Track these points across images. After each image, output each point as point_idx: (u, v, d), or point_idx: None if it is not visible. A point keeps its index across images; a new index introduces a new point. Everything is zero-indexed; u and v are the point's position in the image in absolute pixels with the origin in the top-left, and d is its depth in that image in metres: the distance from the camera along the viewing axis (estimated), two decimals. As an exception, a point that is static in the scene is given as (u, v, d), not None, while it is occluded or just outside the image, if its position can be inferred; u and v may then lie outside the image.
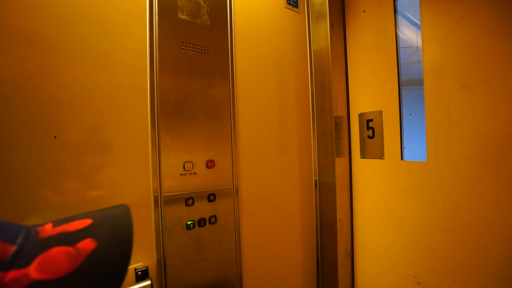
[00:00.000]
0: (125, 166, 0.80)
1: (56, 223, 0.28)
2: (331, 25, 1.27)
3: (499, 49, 0.87)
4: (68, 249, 0.24)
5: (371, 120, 1.25)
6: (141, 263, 0.82)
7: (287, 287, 1.22)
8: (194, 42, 0.94)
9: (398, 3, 1.23)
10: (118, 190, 0.79)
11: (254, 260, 1.11)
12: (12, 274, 0.21)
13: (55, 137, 0.70)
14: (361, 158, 1.30)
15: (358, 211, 1.34)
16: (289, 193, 1.24)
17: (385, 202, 1.22)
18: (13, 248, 0.22)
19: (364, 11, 1.28)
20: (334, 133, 1.24)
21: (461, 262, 0.97)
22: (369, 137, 1.26)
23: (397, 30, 1.16)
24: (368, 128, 1.26)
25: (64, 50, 0.72)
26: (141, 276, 0.80)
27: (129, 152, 0.81)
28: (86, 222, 0.28)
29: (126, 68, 0.81)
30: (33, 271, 0.22)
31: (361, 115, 1.30)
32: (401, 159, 1.15)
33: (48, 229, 0.27)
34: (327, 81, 1.24)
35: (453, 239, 0.99)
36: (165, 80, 0.88)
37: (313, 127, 1.32)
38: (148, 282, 0.77)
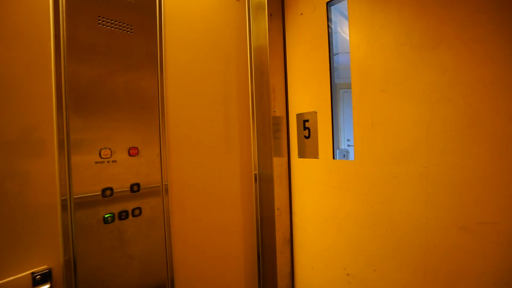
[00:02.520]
0: (19, 153, 0.69)
1: None
2: (269, 15, 1.29)
3: (408, 58, 0.96)
4: None
5: (308, 121, 1.29)
6: (45, 266, 0.72)
7: (228, 280, 1.21)
8: (114, 18, 0.86)
9: (333, 9, 1.29)
10: (13, 178, 0.68)
11: (189, 256, 1.06)
12: None
13: None
14: (299, 157, 1.34)
15: (296, 209, 1.38)
16: (229, 185, 1.22)
17: (319, 199, 1.27)
18: None
19: (302, 14, 1.31)
20: (272, 127, 1.25)
21: (380, 252, 1.06)
22: (305, 137, 1.30)
23: (330, 36, 1.22)
24: (305, 128, 1.30)
25: None
26: (41, 280, 0.70)
27: (27, 136, 0.70)
28: None
29: (23, 40, 0.70)
30: None
31: (298, 116, 1.33)
32: (333, 158, 1.21)
33: None
34: (265, 70, 1.25)
35: (373, 231, 1.08)
36: (76, 58, 0.78)
37: (253, 119, 1.32)
38: (46, 287, 0.68)
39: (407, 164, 0.98)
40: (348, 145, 2.82)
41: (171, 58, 1.02)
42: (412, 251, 0.98)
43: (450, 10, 0.87)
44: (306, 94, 1.30)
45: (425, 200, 0.94)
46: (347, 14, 1.15)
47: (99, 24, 0.83)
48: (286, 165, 1.37)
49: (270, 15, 1.29)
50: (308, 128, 1.29)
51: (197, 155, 1.10)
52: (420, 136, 0.94)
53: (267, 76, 1.23)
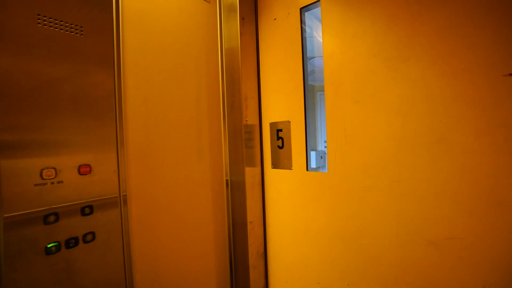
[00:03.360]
0: None
1: None
2: (242, 18, 1.23)
3: (380, 70, 0.94)
4: None
5: (281, 130, 1.25)
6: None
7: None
8: (59, 18, 0.75)
9: (308, 14, 1.26)
10: None
11: (155, 280, 0.97)
12: None
13: None
14: (272, 168, 1.30)
15: (270, 221, 1.34)
16: (198, 198, 1.14)
17: (293, 211, 1.24)
18: None
19: (275, 19, 1.27)
20: (244, 136, 1.19)
21: (352, 266, 1.04)
22: (279, 147, 1.26)
23: (304, 42, 1.18)
24: (278, 138, 1.26)
25: None
26: None
27: None
28: None
29: None
30: None
31: (272, 125, 1.29)
32: (307, 169, 1.17)
33: None
34: (237, 77, 1.19)
35: (346, 245, 1.06)
36: (6, 62, 0.67)
37: (224, 128, 1.25)
38: None
39: (379, 177, 0.96)
40: (325, 147, 2.84)
41: (131, 62, 0.93)
42: (383, 265, 0.97)
43: (417, 25, 0.86)
44: (279, 102, 1.26)
45: (396, 214, 0.93)
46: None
47: (39, 24, 0.71)
48: (259, 175, 1.32)
49: (242, 18, 1.23)
50: (282, 138, 1.25)
51: (162, 169, 1.01)
52: (391, 149, 0.93)
53: (239, 83, 1.17)
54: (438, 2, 0.82)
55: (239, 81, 1.18)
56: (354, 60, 1.01)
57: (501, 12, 0.73)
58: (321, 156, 3.02)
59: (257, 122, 1.31)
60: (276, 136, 1.27)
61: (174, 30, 1.07)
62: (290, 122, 1.22)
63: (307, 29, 1.89)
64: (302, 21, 1.18)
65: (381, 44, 0.94)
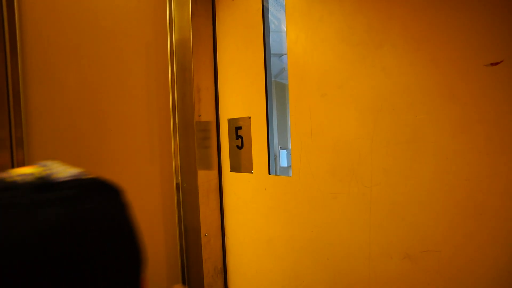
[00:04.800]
0: None
1: None
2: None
3: (349, 57, 0.82)
4: None
5: (240, 128, 1.08)
6: None
7: None
8: None
9: (276, 1, 1.11)
10: None
11: None
12: None
13: None
14: (231, 171, 1.13)
15: (229, 232, 1.16)
16: (144, 214, 0.93)
17: (255, 220, 1.08)
18: None
19: None
20: (196, 134, 1.01)
21: (320, 282, 0.91)
22: (238, 147, 1.09)
23: (266, 28, 1.03)
24: (238, 137, 1.09)
25: None
26: None
27: None
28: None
29: None
30: None
31: (230, 121, 1.12)
32: (269, 173, 1.02)
33: None
34: (188, 65, 1.00)
35: (313, 259, 0.92)
36: None
37: (174, 125, 1.05)
38: None
39: (349, 182, 0.84)
40: None
41: (37, 42, 0.70)
42: (355, 281, 0.85)
43: (392, 5, 0.74)
44: (239, 95, 1.09)
45: (368, 225, 0.81)
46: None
47: None
48: (216, 180, 1.14)
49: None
50: (241, 137, 1.08)
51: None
52: (363, 149, 0.81)
53: (190, 72, 0.98)
54: (413, -21, 0.72)
55: (190, 69, 0.99)
56: (320, 47, 0.87)
57: (482, -9, 0.64)
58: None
59: (213, 118, 1.13)
60: (235, 135, 1.10)
61: (105, 7, 0.85)
62: (250, 118, 1.05)
63: (275, 22, 1.75)
64: (263, 4, 1.02)
65: (350, 27, 0.81)
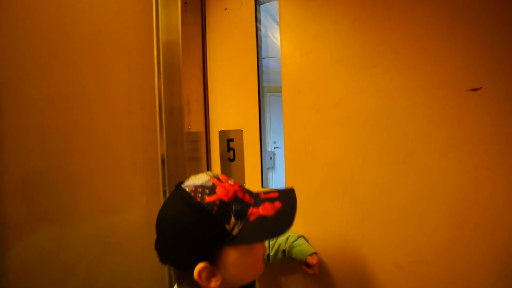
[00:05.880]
0: None
1: (264, 193, 0.54)
2: (184, 2, 0.99)
3: (344, 77, 0.84)
4: (271, 204, 0.49)
5: (232, 140, 1.07)
6: None
7: None
8: None
9: (262, 9, 1.10)
10: None
11: None
12: (254, 210, 0.48)
13: None
14: (222, 183, 1.10)
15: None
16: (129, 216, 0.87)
17: (246, 233, 1.07)
18: (253, 200, 0.50)
19: (226, 8, 1.08)
20: (185, 146, 0.97)
21: (314, 295, 0.93)
22: (230, 159, 1.08)
23: (259, 39, 1.02)
24: (229, 149, 1.08)
25: None
26: None
27: None
28: (276, 194, 0.53)
29: None
30: (260, 210, 0.48)
31: (222, 133, 1.09)
32: (261, 186, 1.02)
33: (262, 194, 0.53)
34: (177, 77, 0.96)
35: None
36: None
37: (161, 138, 1.00)
38: None
39: (342, 199, 0.86)
40: (275, 147, 2.75)
41: None
42: (346, 291, 0.88)
43: (384, 31, 0.78)
44: (231, 107, 1.07)
45: (360, 237, 0.84)
46: (277, 18, 0.98)
47: None
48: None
49: (184, 2, 1.00)
50: (233, 149, 1.07)
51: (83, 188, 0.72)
52: (356, 167, 0.84)
53: (179, 84, 0.94)
54: (405, 8, 0.76)
55: (179, 81, 0.95)
56: (316, 65, 0.89)
57: (467, 24, 0.70)
58: (271, 157, 2.92)
59: (203, 130, 1.10)
60: (226, 147, 1.08)
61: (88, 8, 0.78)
62: (242, 131, 1.04)
63: (262, 28, 1.75)
64: (257, 15, 1.02)
65: (345, 48, 0.84)
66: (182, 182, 0.50)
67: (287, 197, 0.52)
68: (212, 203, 0.44)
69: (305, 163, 0.91)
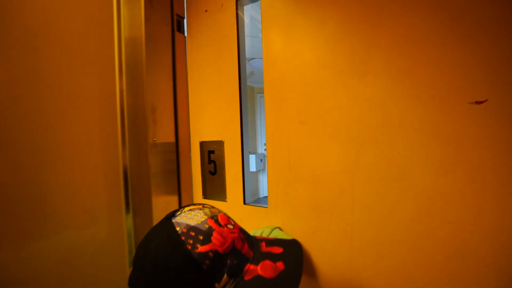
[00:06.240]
0: None
1: (266, 243, 0.47)
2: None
3: (332, 85, 0.76)
4: (273, 264, 0.42)
5: (213, 152, 0.99)
6: None
7: None
8: None
9: (248, 9, 1.02)
10: None
11: None
12: (252, 267, 0.40)
13: None
14: (203, 198, 1.03)
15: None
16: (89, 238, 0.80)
17: (228, 252, 0.99)
18: (252, 253, 0.43)
19: (206, 10, 1.00)
20: (149, 157, 0.89)
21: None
22: (211, 172, 1.00)
23: (240, 43, 0.94)
24: (210, 161, 1.00)
25: None
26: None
27: None
28: (280, 249, 0.45)
29: None
30: (259, 269, 0.40)
31: (202, 144, 1.02)
32: (244, 203, 0.94)
33: (263, 247, 0.45)
34: (141, 82, 0.88)
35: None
36: None
37: (124, 149, 0.92)
38: None
39: (329, 218, 0.78)
40: (265, 149, 2.65)
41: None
42: (334, 321, 0.80)
43: (376, 34, 0.70)
44: (211, 117, 1.00)
45: (349, 263, 0.76)
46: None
47: None
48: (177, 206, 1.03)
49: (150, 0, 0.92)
50: (214, 162, 0.99)
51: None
52: (344, 183, 0.75)
53: (143, 88, 0.86)
54: (398, 9, 0.67)
55: (143, 83, 0.87)
56: (301, 71, 0.81)
57: (465, 29, 0.61)
58: (261, 159, 2.83)
59: (173, 140, 1.01)
60: (207, 159, 1.00)
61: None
62: (224, 142, 0.96)
63: (252, 28, 1.66)
64: (238, 16, 0.94)
65: (333, 51, 0.75)
66: (174, 215, 0.42)
67: (292, 256, 0.45)
68: (205, 255, 0.37)
69: (289, 178, 0.83)
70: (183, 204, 1.03)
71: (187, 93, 1.01)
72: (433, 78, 0.64)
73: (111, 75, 0.81)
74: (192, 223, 0.40)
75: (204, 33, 1.00)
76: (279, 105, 0.84)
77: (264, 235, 0.79)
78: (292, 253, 0.46)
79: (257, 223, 0.91)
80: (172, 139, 0.98)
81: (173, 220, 0.41)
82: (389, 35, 0.68)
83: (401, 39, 0.67)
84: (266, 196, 0.87)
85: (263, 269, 0.41)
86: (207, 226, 0.40)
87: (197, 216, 0.42)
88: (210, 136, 0.99)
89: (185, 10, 1.04)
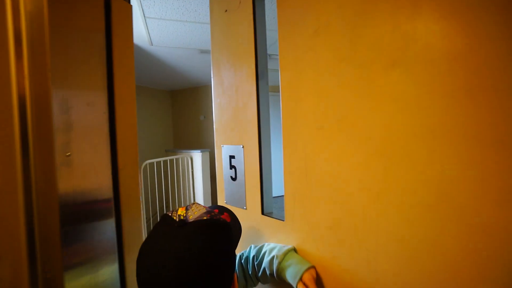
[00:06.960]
0: None
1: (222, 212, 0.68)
2: None
3: (351, 81, 0.62)
4: (228, 215, 0.66)
5: (234, 157, 0.96)
6: None
7: None
8: None
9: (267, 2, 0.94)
10: None
11: None
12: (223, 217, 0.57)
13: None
14: (225, 203, 1.01)
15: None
16: None
17: (250, 261, 0.95)
18: (216, 211, 0.58)
19: (226, 10, 0.96)
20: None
21: None
22: (232, 178, 0.97)
23: (259, 41, 0.87)
24: (231, 166, 0.97)
25: None
26: None
27: None
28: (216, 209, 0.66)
29: None
30: (224, 217, 0.56)
31: (225, 149, 1.00)
32: (262, 213, 0.88)
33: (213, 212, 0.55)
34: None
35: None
36: None
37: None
38: None
39: (350, 243, 0.65)
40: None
41: None
42: None
43: (415, 7, 0.53)
44: (231, 121, 0.97)
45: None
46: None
47: None
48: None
49: None
50: (235, 167, 0.96)
51: None
52: (367, 205, 0.61)
53: (45, 78, 0.41)
54: (439, -29, 0.49)
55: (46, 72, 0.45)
56: (316, 66, 0.69)
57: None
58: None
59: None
60: (229, 164, 0.98)
61: None
62: (243, 147, 0.92)
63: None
64: (256, 14, 0.87)
65: (352, 40, 0.62)
66: (185, 223, 0.50)
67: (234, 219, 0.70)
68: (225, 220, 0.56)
69: (306, 189, 0.73)
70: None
71: (132, 86, 0.65)
72: (490, 66, 0.44)
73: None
74: (202, 211, 0.54)
75: (224, 33, 0.97)
76: (296, 109, 0.75)
77: (279, 255, 0.71)
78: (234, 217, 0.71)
79: (274, 236, 0.84)
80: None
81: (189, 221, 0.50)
82: (428, 12, 0.51)
83: (449, 9, 0.49)
84: (278, 196, 0.80)
85: (225, 217, 0.62)
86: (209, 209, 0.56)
87: (197, 208, 0.55)
88: (230, 140, 0.97)
89: None
